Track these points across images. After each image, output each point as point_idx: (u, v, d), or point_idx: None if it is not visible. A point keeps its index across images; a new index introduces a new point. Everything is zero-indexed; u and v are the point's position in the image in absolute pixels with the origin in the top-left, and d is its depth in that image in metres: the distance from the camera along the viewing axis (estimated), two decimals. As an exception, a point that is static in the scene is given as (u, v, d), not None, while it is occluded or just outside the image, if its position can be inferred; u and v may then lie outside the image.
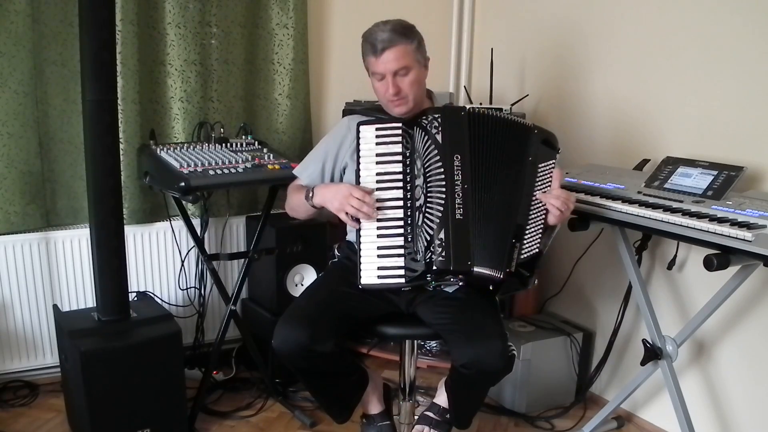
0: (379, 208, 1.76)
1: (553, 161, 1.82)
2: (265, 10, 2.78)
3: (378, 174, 1.78)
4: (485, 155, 1.77)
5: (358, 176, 1.80)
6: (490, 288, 1.79)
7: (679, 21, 2.27)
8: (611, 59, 2.53)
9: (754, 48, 2.05)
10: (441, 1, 3.21)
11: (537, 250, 1.77)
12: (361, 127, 1.81)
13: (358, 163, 1.80)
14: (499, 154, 1.78)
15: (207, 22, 2.66)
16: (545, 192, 1.78)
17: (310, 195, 1.85)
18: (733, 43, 2.10)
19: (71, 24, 2.42)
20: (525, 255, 1.75)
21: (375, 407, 2.03)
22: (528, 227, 1.76)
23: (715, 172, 1.97)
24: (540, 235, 1.78)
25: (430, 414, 1.95)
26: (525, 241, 1.75)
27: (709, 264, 1.71)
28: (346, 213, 1.76)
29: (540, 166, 1.80)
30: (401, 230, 1.75)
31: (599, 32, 2.58)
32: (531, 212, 1.77)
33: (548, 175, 1.80)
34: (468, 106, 1.83)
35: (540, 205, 1.78)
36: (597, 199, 2.04)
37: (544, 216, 1.78)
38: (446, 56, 3.27)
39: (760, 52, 2.03)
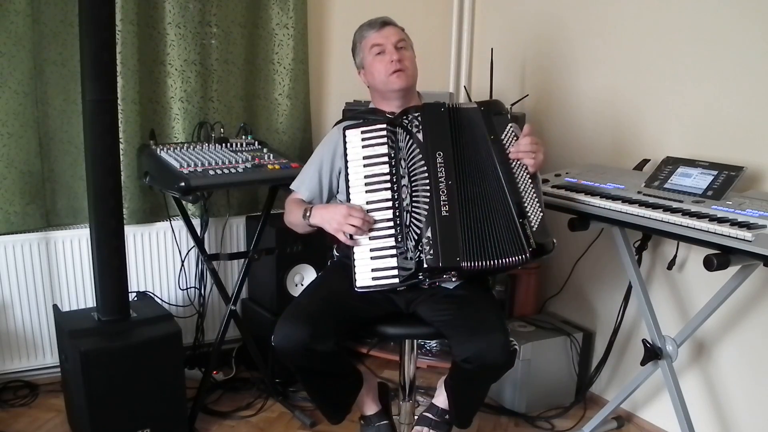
0: (369, 211, 1.78)
1: (510, 125, 1.82)
2: (265, 10, 2.78)
3: (366, 177, 1.80)
4: (467, 149, 1.78)
5: (347, 180, 1.81)
6: (489, 279, 1.80)
7: (679, 21, 2.27)
8: (611, 59, 2.53)
9: (754, 47, 2.05)
10: (441, 1, 3.21)
11: (541, 213, 1.76)
12: (347, 132, 1.84)
13: (347, 167, 1.82)
14: (474, 143, 1.80)
15: (207, 22, 2.66)
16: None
17: (307, 215, 1.86)
18: (734, 42, 2.10)
19: (71, 24, 2.42)
20: (536, 225, 1.74)
21: (370, 408, 2.03)
22: (524, 199, 1.75)
23: (715, 172, 1.97)
24: (536, 198, 1.77)
25: (429, 415, 1.95)
26: (529, 213, 1.74)
27: (709, 264, 1.71)
28: (343, 232, 1.76)
29: (502, 138, 1.80)
30: (392, 231, 1.76)
31: (599, 32, 2.58)
32: (519, 183, 1.77)
33: (513, 140, 1.80)
34: (448, 102, 1.84)
35: (520, 171, 1.78)
36: (597, 199, 2.04)
37: (529, 178, 1.78)
38: (446, 56, 3.27)
39: (760, 52, 2.03)
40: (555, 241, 1.78)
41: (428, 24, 3.17)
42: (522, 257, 1.72)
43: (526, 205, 1.75)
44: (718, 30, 2.15)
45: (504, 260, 1.72)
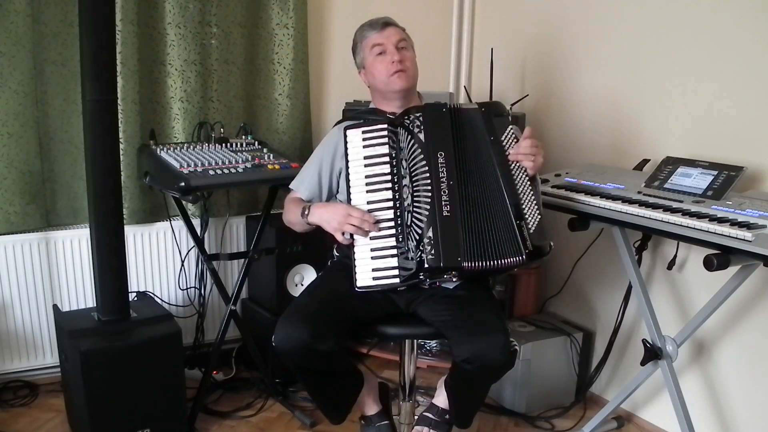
0: (370, 211, 1.78)
1: (510, 127, 1.82)
2: (265, 10, 2.78)
3: (367, 176, 1.80)
4: (467, 149, 1.79)
5: (348, 180, 1.81)
6: (489, 279, 1.79)
7: (679, 20, 2.27)
8: (611, 59, 2.53)
9: (754, 47, 2.05)
10: (441, 1, 3.21)
11: (539, 216, 1.76)
12: (348, 132, 1.84)
13: (348, 167, 1.81)
14: (474, 144, 1.80)
15: (207, 22, 2.66)
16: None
17: (306, 213, 1.86)
18: (734, 42, 2.10)
19: (71, 24, 2.42)
20: (533, 228, 1.74)
21: (371, 408, 2.03)
22: (522, 201, 1.75)
23: (715, 172, 1.97)
24: (534, 201, 1.77)
25: (429, 415, 1.95)
26: (527, 215, 1.74)
27: (709, 264, 1.71)
28: (342, 233, 1.77)
29: (502, 139, 1.80)
30: (393, 230, 1.76)
31: (599, 32, 2.58)
32: (517, 185, 1.76)
33: (514, 142, 1.80)
34: (450, 103, 1.84)
35: (519, 173, 1.78)
36: (597, 200, 2.04)
37: (528, 181, 1.77)
38: (446, 56, 3.27)
39: (760, 52, 2.04)
40: (552, 243, 1.78)
41: (428, 24, 3.17)
42: (519, 259, 1.72)
43: (524, 207, 1.75)
44: (718, 30, 2.15)
45: (501, 261, 1.72)
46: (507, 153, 1.79)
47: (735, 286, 1.95)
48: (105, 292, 2.16)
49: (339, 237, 1.78)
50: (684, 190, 1.98)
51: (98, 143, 2.03)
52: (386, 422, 2.03)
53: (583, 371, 2.67)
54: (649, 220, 1.88)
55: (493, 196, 1.77)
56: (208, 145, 2.48)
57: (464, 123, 1.81)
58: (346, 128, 1.85)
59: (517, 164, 1.78)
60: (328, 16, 2.96)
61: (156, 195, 2.63)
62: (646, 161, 2.33)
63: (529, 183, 1.77)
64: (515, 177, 1.77)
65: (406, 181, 1.77)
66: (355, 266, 1.77)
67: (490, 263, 1.71)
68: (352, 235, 1.77)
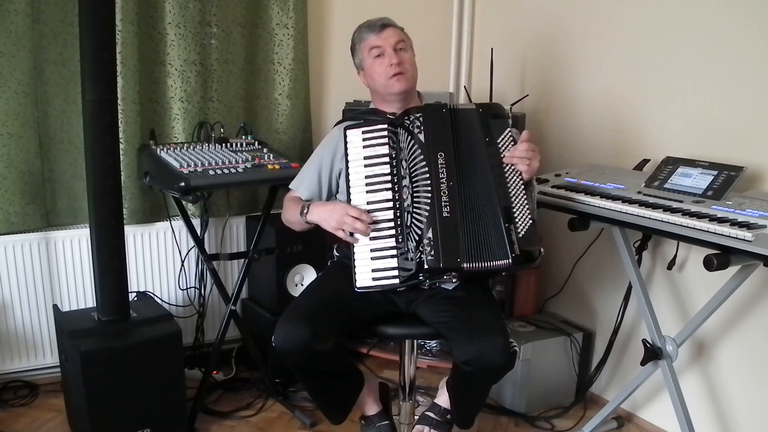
0: (369, 211, 1.78)
1: (508, 129, 1.81)
2: (265, 10, 2.78)
3: (367, 177, 1.80)
4: (467, 150, 1.78)
5: (348, 180, 1.81)
6: (489, 280, 1.79)
7: (679, 20, 2.27)
8: (612, 59, 2.53)
9: (754, 48, 2.05)
10: (441, 1, 3.21)
11: (531, 220, 1.75)
12: (348, 132, 1.84)
13: (348, 168, 1.82)
14: (470, 145, 1.79)
15: (207, 22, 2.66)
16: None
17: (305, 211, 1.87)
18: (734, 43, 2.10)
19: (71, 24, 2.42)
20: (522, 232, 1.73)
21: (372, 408, 2.03)
22: (513, 205, 1.74)
23: (715, 172, 1.97)
24: (527, 205, 1.75)
25: (431, 414, 1.95)
26: (517, 219, 1.73)
27: (709, 264, 1.71)
28: (342, 230, 1.77)
29: (498, 141, 1.79)
30: (392, 231, 1.76)
31: (599, 32, 2.58)
32: (509, 188, 1.75)
33: (511, 145, 1.79)
34: (449, 103, 1.83)
35: (513, 176, 1.76)
36: (597, 200, 2.04)
37: (522, 185, 1.76)
38: (446, 56, 3.27)
39: (760, 52, 2.04)
40: (542, 250, 1.76)
41: (428, 24, 3.17)
42: (506, 262, 1.70)
43: (515, 210, 1.74)
44: (718, 30, 2.15)
45: (490, 263, 1.71)
46: (502, 155, 1.78)
47: (735, 286, 1.95)
48: (105, 292, 2.16)
49: (340, 234, 1.78)
50: (684, 190, 1.98)
51: (98, 143, 2.03)
52: (386, 422, 2.03)
53: (583, 371, 2.67)
54: (649, 220, 1.87)
55: (484, 198, 1.76)
56: (208, 145, 2.48)
57: (461, 124, 1.81)
58: (346, 128, 1.85)
59: (512, 167, 1.77)
60: (328, 16, 2.96)
61: (156, 195, 2.63)
62: (646, 161, 2.33)
63: (522, 187, 1.76)
64: (508, 180, 1.76)
65: (406, 182, 1.77)
66: (354, 266, 1.77)
67: (485, 264, 1.71)
68: (352, 234, 1.77)
